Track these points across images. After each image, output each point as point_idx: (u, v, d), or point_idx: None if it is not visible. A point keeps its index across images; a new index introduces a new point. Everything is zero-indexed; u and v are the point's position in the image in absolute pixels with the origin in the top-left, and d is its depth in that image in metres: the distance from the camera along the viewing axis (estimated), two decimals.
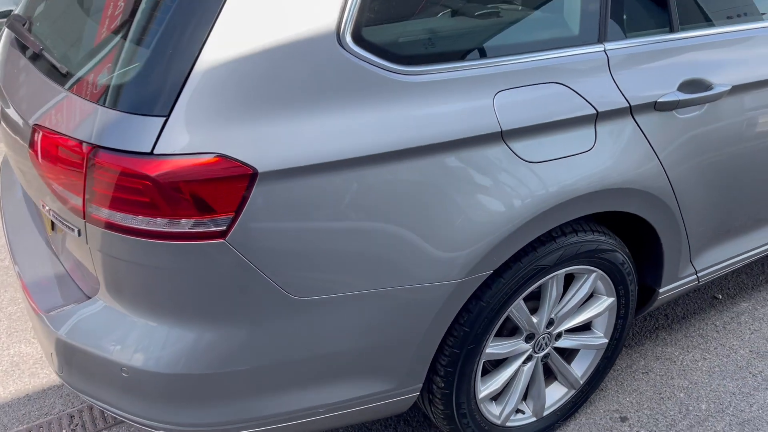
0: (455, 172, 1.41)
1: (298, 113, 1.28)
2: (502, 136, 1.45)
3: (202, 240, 1.27)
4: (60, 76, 1.41)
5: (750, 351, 2.28)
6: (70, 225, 1.38)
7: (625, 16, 1.64)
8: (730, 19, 1.83)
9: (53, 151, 1.34)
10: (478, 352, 1.65)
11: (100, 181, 1.26)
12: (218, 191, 1.24)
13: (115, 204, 1.27)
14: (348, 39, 1.31)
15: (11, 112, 1.61)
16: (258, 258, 1.31)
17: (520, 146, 1.48)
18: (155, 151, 1.22)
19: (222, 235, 1.27)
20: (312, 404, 1.51)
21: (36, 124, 1.40)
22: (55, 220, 1.44)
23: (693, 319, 2.44)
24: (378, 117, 1.33)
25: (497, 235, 1.48)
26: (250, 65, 1.25)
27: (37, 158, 1.40)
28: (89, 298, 1.50)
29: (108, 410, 1.51)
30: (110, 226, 1.29)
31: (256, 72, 1.26)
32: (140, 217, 1.26)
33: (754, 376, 2.18)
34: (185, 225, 1.26)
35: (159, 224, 1.26)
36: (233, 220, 1.27)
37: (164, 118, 1.23)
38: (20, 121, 1.52)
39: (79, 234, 1.36)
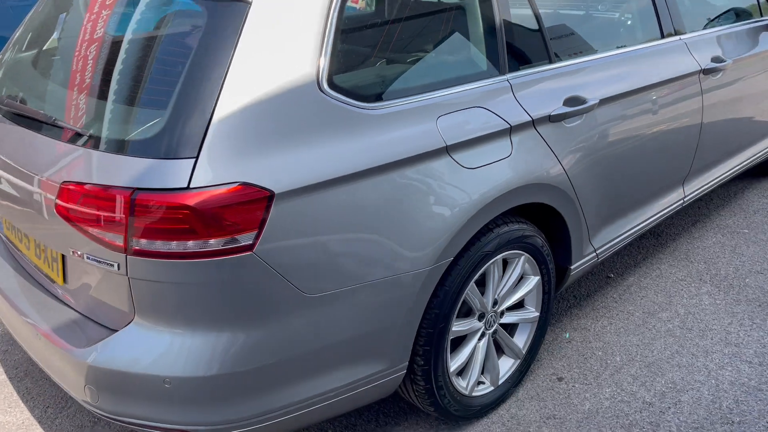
0: (418, 181, 1.80)
1: (297, 144, 1.62)
2: (447, 150, 1.86)
3: (234, 254, 1.56)
4: (80, 138, 1.66)
5: (643, 312, 2.80)
6: (108, 262, 1.61)
7: (516, 55, 2.13)
8: (593, 50, 2.39)
9: (90, 200, 1.58)
10: (447, 330, 2.01)
11: (142, 218, 1.52)
12: (244, 212, 1.55)
13: (158, 234, 1.53)
14: (324, 85, 1.68)
15: (16, 181, 1.81)
16: (279, 263, 1.61)
17: (460, 156, 1.89)
18: (191, 185, 1.51)
19: (250, 248, 1.56)
20: (325, 389, 1.79)
21: (65, 182, 1.63)
22: (89, 262, 1.66)
23: (595, 295, 2.94)
24: (354, 142, 1.70)
25: (453, 229, 1.87)
26: (255, 110, 1.58)
27: (67, 212, 1.63)
28: (113, 330, 1.72)
29: (147, 426, 1.71)
30: (152, 254, 1.55)
31: (260, 115, 1.59)
32: (180, 242, 1.53)
33: (649, 329, 2.69)
34: (218, 243, 1.54)
35: (196, 246, 1.54)
36: (258, 235, 1.57)
37: (194, 159, 1.52)
38: (33, 186, 1.73)
39: (119, 267, 1.60)
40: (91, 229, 1.61)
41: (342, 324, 1.76)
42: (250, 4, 1.63)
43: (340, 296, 1.73)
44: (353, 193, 1.69)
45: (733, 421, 2.22)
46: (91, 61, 1.80)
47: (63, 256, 1.82)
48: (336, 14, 1.72)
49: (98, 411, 1.76)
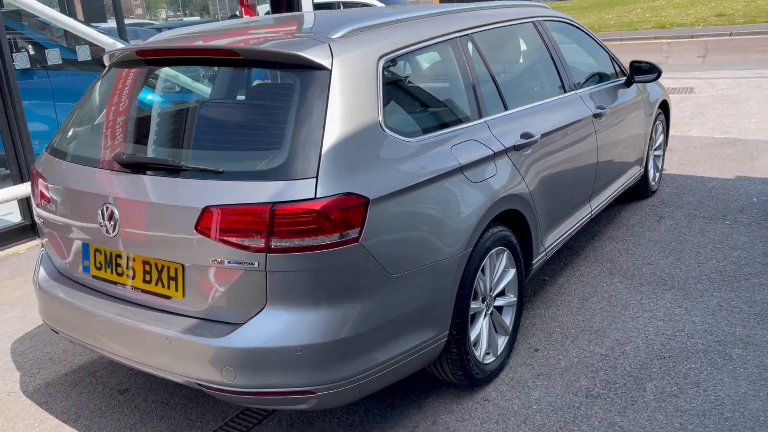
0: (448, 191, 2.50)
1: (376, 165, 2.27)
2: (461, 170, 2.58)
3: (345, 245, 2.15)
4: (214, 174, 2.18)
5: (578, 299, 3.63)
6: (249, 262, 2.12)
7: (486, 104, 2.94)
8: (528, 100, 3.26)
9: (234, 217, 2.11)
10: (468, 307, 2.67)
11: (281, 223, 2.08)
12: (351, 214, 2.15)
13: (293, 234, 2.09)
14: (384, 126, 2.36)
15: (149, 214, 2.27)
16: (374, 251, 2.21)
17: (468, 174, 2.63)
18: (317, 196, 2.10)
19: (356, 240, 2.16)
20: (401, 350, 2.37)
21: (207, 206, 2.14)
22: (230, 266, 2.15)
23: (539, 293, 3.73)
24: (408, 164, 2.38)
25: (471, 226, 2.58)
26: (348, 143, 2.22)
27: (209, 229, 2.14)
28: (235, 324, 2.20)
29: (278, 393, 2.18)
30: (287, 250, 2.10)
31: (351, 147, 2.23)
32: (309, 238, 2.10)
33: (587, 310, 3.50)
34: (335, 237, 2.13)
35: (321, 240, 2.11)
36: (360, 230, 2.17)
37: (315, 178, 2.12)
38: (170, 215, 2.21)
39: (258, 265, 2.12)
40: (233, 239, 2.13)
41: (412, 297, 2.38)
42: (331, 70, 2.29)
43: (411, 276, 2.35)
44: (414, 199, 2.35)
45: (664, 356, 3.04)
46: (212, 119, 2.35)
47: (183, 273, 2.28)
48: (381, 80, 2.42)
49: (232, 389, 2.20)
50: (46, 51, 5.89)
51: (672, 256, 4.12)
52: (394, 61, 2.55)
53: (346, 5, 9.48)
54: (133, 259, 2.41)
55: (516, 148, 2.95)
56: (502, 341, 3.01)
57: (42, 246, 2.89)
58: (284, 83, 2.39)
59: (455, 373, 2.74)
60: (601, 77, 4.21)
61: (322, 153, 2.16)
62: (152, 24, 11.74)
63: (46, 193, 2.67)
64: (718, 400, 2.71)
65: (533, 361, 3.08)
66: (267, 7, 7.29)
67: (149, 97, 2.87)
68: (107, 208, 2.36)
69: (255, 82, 2.44)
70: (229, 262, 2.16)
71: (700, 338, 3.17)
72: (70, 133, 2.76)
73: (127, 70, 2.76)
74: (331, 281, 2.17)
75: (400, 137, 2.41)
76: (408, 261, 2.34)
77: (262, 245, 2.11)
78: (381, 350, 2.32)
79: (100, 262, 2.52)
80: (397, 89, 2.59)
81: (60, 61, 5.47)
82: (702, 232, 4.48)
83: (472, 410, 2.76)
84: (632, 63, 4.38)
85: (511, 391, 2.87)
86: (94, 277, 2.56)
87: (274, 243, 2.10)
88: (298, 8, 6.95)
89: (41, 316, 2.80)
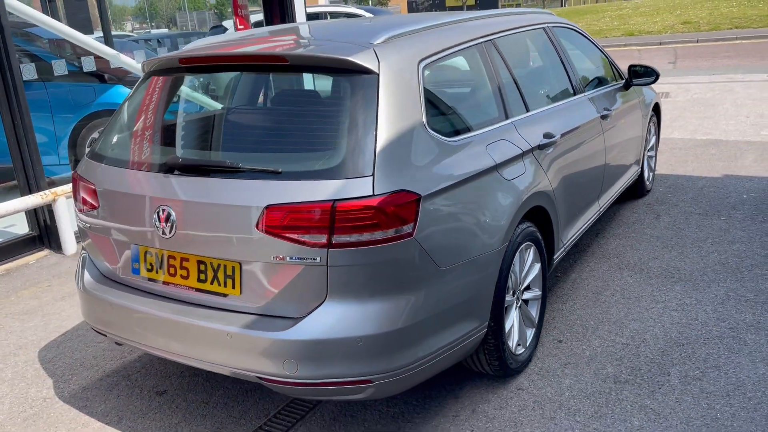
0: (487, 187, 2.63)
1: (423, 163, 2.38)
2: (496, 168, 2.71)
3: (401, 240, 2.25)
4: (290, 175, 2.25)
5: (593, 293, 3.78)
6: (311, 258, 2.22)
7: (511, 107, 3.07)
8: (545, 103, 3.41)
9: (296, 215, 2.20)
10: (504, 299, 2.79)
11: (342, 219, 2.18)
12: (406, 210, 2.26)
13: (353, 230, 2.19)
14: (428, 127, 2.48)
15: (207, 216, 2.34)
16: (426, 244, 2.32)
17: (503, 172, 2.75)
18: (374, 193, 2.20)
19: (410, 234, 2.27)
20: (449, 340, 2.48)
21: (269, 206, 2.23)
22: (292, 262, 2.23)
23: (554, 289, 3.87)
24: (451, 162, 2.50)
25: (507, 221, 2.70)
26: (399, 144, 2.33)
27: (271, 228, 2.22)
28: (293, 318, 2.29)
29: (338, 383, 2.27)
30: (348, 245, 2.19)
31: (402, 147, 2.34)
32: (368, 233, 2.20)
33: (603, 302, 3.65)
34: (392, 232, 2.23)
35: (379, 235, 2.21)
36: (414, 225, 2.28)
37: (372, 176, 2.22)
38: (230, 216, 2.29)
39: (320, 260, 2.21)
40: (295, 236, 2.22)
41: (458, 289, 2.49)
42: (378, 74, 2.40)
43: (457, 268, 2.47)
44: (457, 196, 2.47)
45: (682, 343, 3.20)
46: (264, 123, 2.44)
47: (241, 271, 2.36)
48: (422, 83, 2.54)
49: (293, 380, 2.29)
50: (44, 63, 5.90)
51: (675, 250, 4.30)
52: (431, 65, 2.67)
53: (333, 16, 9.62)
54: (187, 260, 2.48)
55: (540, 147, 3.09)
56: (530, 333, 3.14)
57: (83, 250, 2.94)
58: (334, 87, 2.49)
59: (491, 363, 2.85)
60: (603, 80, 4.39)
61: (377, 152, 2.26)
62: (130, 36, 11.71)
63: (90, 197, 2.72)
64: (740, 382, 2.86)
65: (558, 351, 3.21)
66: (259, 16, 7.37)
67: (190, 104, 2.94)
68: (163, 210, 2.43)
69: (316, 89, 2.56)
70: (290, 258, 2.25)
71: (714, 326, 3.34)
72: (114, 139, 2.82)
73: (169, 78, 2.83)
74: (388, 274, 2.27)
75: (442, 137, 2.53)
76: (455, 255, 2.45)
77: (324, 241, 2.20)
78: (432, 340, 2.42)
79: (151, 264, 2.59)
80: (434, 91, 2.71)
81: (66, 72, 5.49)
82: (700, 227, 4.68)
83: (507, 399, 2.87)
84: (630, 67, 4.57)
85: (542, 380, 2.99)
86: (145, 278, 2.62)
87: (335, 239, 2.20)
88: (293, 19, 7.05)
89: (87, 319, 2.85)
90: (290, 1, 6.93)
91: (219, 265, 2.41)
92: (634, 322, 3.43)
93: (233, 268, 2.38)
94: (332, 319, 2.26)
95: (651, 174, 5.55)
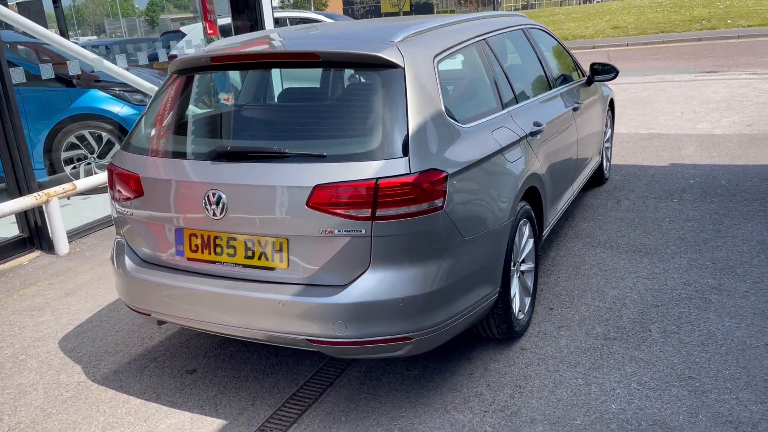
0: (497, 168, 2.97)
1: (446, 146, 2.71)
2: (502, 152, 3.07)
3: (433, 212, 2.57)
4: (331, 158, 2.53)
5: (572, 267, 4.18)
6: (357, 230, 2.50)
7: (504, 98, 3.44)
8: (529, 95, 3.80)
9: (343, 192, 2.48)
10: (510, 268, 3.14)
11: (384, 194, 2.48)
12: (437, 186, 2.58)
13: (394, 204, 2.49)
14: (446, 115, 2.81)
15: (257, 196, 2.60)
16: (453, 217, 2.65)
17: (507, 155, 3.11)
18: (411, 171, 2.51)
19: (441, 208, 2.59)
20: (470, 303, 2.81)
21: (318, 185, 2.51)
22: (340, 234, 2.51)
23: (539, 264, 4.26)
24: (467, 145, 2.83)
25: (512, 198, 3.06)
26: (427, 128, 2.65)
27: (319, 205, 2.50)
28: (338, 286, 2.57)
29: (382, 340, 2.56)
30: (389, 217, 2.50)
31: (428, 131, 2.66)
32: (406, 207, 2.51)
33: (583, 275, 4.06)
34: (426, 206, 2.55)
35: (415, 208, 2.52)
36: (443, 199, 2.60)
37: (407, 157, 2.53)
38: (281, 195, 2.55)
39: (365, 231, 2.50)
40: (342, 211, 2.50)
41: (478, 257, 2.82)
42: (404, 68, 2.71)
43: (477, 239, 2.80)
44: (475, 175, 2.81)
45: (658, 305, 3.63)
46: (303, 112, 2.71)
47: (288, 246, 2.62)
48: (438, 75, 2.87)
49: (341, 340, 2.56)
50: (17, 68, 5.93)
51: (638, 229, 4.78)
52: (442, 60, 3.00)
53: (293, 21, 9.86)
54: (234, 239, 2.72)
55: (531, 134, 3.47)
56: (527, 301, 3.50)
57: (118, 236, 3.12)
58: (365, 80, 2.79)
59: (500, 327, 3.20)
60: (569, 77, 4.83)
61: (409, 136, 2.58)
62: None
63: (133, 186, 2.92)
64: (710, 333, 3.31)
65: (551, 317, 3.59)
66: (228, 20, 7.57)
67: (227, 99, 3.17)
68: (214, 194, 2.67)
69: (350, 82, 2.86)
70: (338, 231, 2.53)
71: (682, 289, 3.79)
72: (153, 132, 3.02)
73: (198, 76, 3.06)
74: (422, 243, 2.58)
75: (458, 124, 2.86)
76: (476, 226, 2.79)
77: (368, 214, 2.50)
78: (459, 302, 2.75)
79: (196, 245, 2.82)
80: (446, 84, 3.04)
81: (40, 77, 5.56)
82: (656, 209, 5.18)
83: (514, 358, 3.23)
84: (592, 64, 5.03)
85: (542, 341, 3.36)
86: (190, 259, 2.85)
87: (379, 212, 2.49)
88: (262, 24, 7.27)
89: (129, 301, 3.04)
90: (259, 7, 7.15)
91: (267, 242, 2.67)
92: (613, 289, 3.85)
93: (281, 243, 2.65)
94: (376, 284, 2.55)
95: (608, 164, 6.05)
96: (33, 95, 6.22)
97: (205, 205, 2.70)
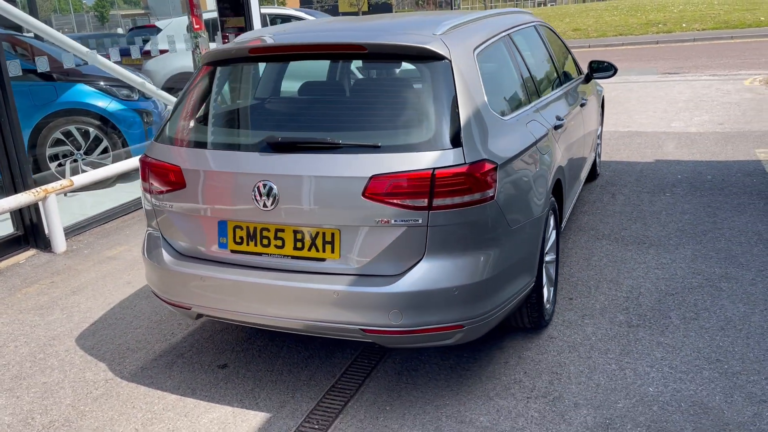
0: (534, 159, 3.04)
1: (492, 137, 2.76)
2: (536, 144, 3.14)
3: (486, 202, 2.62)
4: (377, 149, 2.56)
5: (582, 260, 4.29)
6: (413, 219, 2.53)
7: (530, 93, 3.51)
8: (548, 90, 3.88)
9: (401, 183, 2.51)
10: (544, 258, 3.21)
11: (440, 185, 2.51)
12: (489, 176, 2.62)
13: (449, 194, 2.53)
14: (489, 107, 2.86)
15: (313, 188, 2.59)
16: (503, 206, 2.70)
17: (540, 147, 3.18)
18: (465, 162, 2.55)
19: (492, 198, 2.64)
20: (514, 291, 2.87)
21: (375, 175, 2.52)
22: (396, 224, 2.53)
23: (563, 254, 4.35)
24: (509, 136, 2.89)
25: (547, 189, 3.13)
26: (475, 120, 2.69)
27: (375, 195, 2.52)
28: (392, 275, 2.59)
29: (435, 329, 2.60)
30: (445, 207, 2.53)
31: (477, 121, 2.70)
32: (462, 196, 2.55)
33: (594, 266, 4.17)
34: (479, 195, 2.59)
35: (470, 198, 2.56)
36: (494, 189, 2.65)
37: (460, 148, 2.57)
38: (335, 186, 2.56)
39: (421, 221, 2.53)
40: (399, 201, 2.53)
41: (521, 247, 2.88)
42: (451, 60, 2.75)
43: (520, 229, 2.86)
44: (518, 166, 2.86)
45: (672, 293, 3.76)
46: (359, 104, 2.72)
47: (341, 237, 2.63)
48: (479, 68, 2.92)
49: (396, 329, 2.59)
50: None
51: (638, 222, 4.93)
52: (480, 54, 3.05)
53: (273, 20, 9.80)
54: (283, 230, 2.72)
55: (555, 128, 3.55)
56: (551, 291, 3.58)
57: (154, 229, 3.07)
58: (417, 72, 2.82)
59: (531, 315, 3.26)
60: (573, 73, 4.94)
61: (461, 127, 2.62)
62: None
63: (172, 179, 2.88)
64: (728, 318, 3.44)
65: (573, 306, 3.68)
66: (213, 14, 7.47)
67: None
68: (264, 185, 2.66)
69: (400, 75, 2.89)
70: (395, 221, 2.55)
71: (692, 278, 3.93)
72: (191, 124, 2.98)
73: (235, 67, 3.04)
74: (475, 232, 2.63)
75: (499, 116, 2.92)
76: (519, 216, 2.85)
77: (425, 204, 2.53)
78: (504, 291, 2.80)
79: (240, 237, 2.80)
80: (485, 76, 3.09)
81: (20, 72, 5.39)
82: (652, 203, 5.35)
83: (545, 346, 3.30)
84: (591, 62, 5.17)
85: (568, 329, 3.45)
86: (234, 251, 2.83)
87: (435, 202, 2.53)
88: (249, 21, 7.21)
89: (167, 296, 2.99)
90: (247, 3, 7.09)
91: (317, 233, 2.67)
92: (627, 279, 3.97)
93: (332, 234, 2.65)
94: (432, 273, 2.58)
95: (599, 159, 6.21)
96: (17, 90, 6.02)
97: (255, 196, 2.68)
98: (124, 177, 6.33)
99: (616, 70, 5.12)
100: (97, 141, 6.42)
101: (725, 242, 4.43)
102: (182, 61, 9.43)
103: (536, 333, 3.42)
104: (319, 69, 3.51)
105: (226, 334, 3.62)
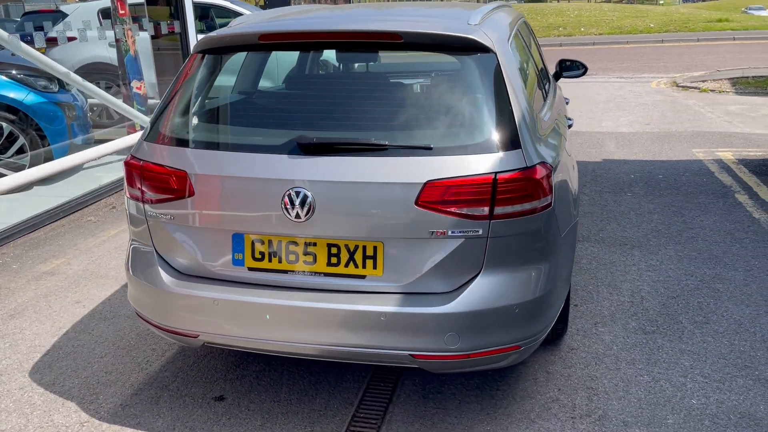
0: (567, 161, 2.84)
1: (539, 137, 2.53)
2: (565, 143, 2.94)
3: (546, 210, 2.38)
4: (429, 151, 2.25)
5: (578, 267, 4.17)
6: (473, 230, 2.25)
7: (544, 90, 3.32)
8: (547, 83, 3.71)
9: (458, 189, 2.22)
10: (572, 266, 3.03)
11: (503, 191, 2.25)
12: (548, 180, 2.39)
13: (513, 201, 2.27)
14: (531, 105, 2.63)
15: (355, 196, 2.25)
16: (557, 214, 2.47)
17: (568, 149, 2.99)
18: (527, 165, 2.31)
19: (551, 204, 2.41)
20: (560, 305, 2.66)
21: (429, 181, 2.22)
22: (453, 235, 2.24)
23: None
24: (550, 136, 2.67)
25: (576, 194, 2.95)
26: (527, 117, 2.45)
27: (429, 203, 2.22)
28: (443, 293, 2.31)
29: (492, 351, 2.33)
30: (507, 216, 2.27)
31: (528, 120, 2.46)
32: (524, 204, 2.30)
33: (583, 267, 4.06)
34: (542, 202, 2.35)
35: (532, 205, 2.32)
36: (552, 195, 2.41)
37: (520, 149, 2.32)
38: (384, 193, 2.23)
39: (481, 232, 2.25)
40: (457, 209, 2.24)
41: (568, 257, 2.68)
42: (496, 53, 2.49)
43: (567, 236, 2.65)
44: (561, 168, 2.65)
45: (674, 296, 3.70)
46: (405, 100, 2.40)
47: (384, 250, 2.31)
48: (515, 63, 2.69)
49: (451, 353, 2.30)
50: None
51: (612, 223, 4.89)
52: (511, 47, 2.81)
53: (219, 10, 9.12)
54: (314, 244, 2.36)
55: (569, 126, 3.39)
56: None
57: (142, 244, 2.60)
58: (459, 65, 2.52)
59: (557, 327, 3.07)
60: (548, 71, 4.83)
61: (517, 126, 2.37)
62: None
63: (175, 186, 2.43)
64: (738, 321, 3.41)
65: (581, 314, 3.53)
66: None
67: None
68: (298, 192, 2.28)
69: (444, 68, 2.55)
70: (452, 232, 2.26)
71: (686, 280, 3.90)
72: (194, 121, 2.54)
73: (241, 56, 2.63)
74: (533, 243, 2.39)
75: (540, 114, 2.70)
76: (566, 223, 2.64)
77: (486, 213, 2.25)
78: (556, 304, 2.59)
79: (261, 253, 2.41)
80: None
81: None
82: (617, 203, 5.34)
83: (569, 358, 3.12)
84: (561, 61, 5.07)
85: (585, 339, 3.29)
86: (252, 269, 2.43)
87: (497, 210, 2.26)
88: (181, 7, 6.64)
89: (169, 323, 2.53)
90: None
91: (356, 247, 2.34)
92: (624, 283, 3.88)
93: (375, 247, 2.33)
94: (491, 290, 2.32)
95: None
96: None
97: (284, 205, 2.31)
98: (42, 180, 5.60)
99: (586, 69, 5.06)
100: (12, 138, 5.64)
101: (702, 242, 4.46)
102: (94, 50, 8.60)
103: (555, 344, 3.24)
104: (332, 60, 3.14)
105: (212, 359, 3.18)
